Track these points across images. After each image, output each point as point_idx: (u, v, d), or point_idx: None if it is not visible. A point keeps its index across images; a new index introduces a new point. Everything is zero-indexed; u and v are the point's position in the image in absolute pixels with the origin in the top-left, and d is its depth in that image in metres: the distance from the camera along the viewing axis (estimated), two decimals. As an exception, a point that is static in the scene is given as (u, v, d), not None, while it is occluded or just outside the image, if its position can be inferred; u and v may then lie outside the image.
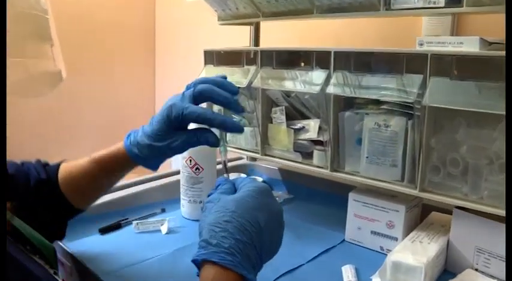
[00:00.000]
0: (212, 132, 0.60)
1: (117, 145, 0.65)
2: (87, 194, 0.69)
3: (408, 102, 0.67)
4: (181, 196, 0.90)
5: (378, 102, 0.73)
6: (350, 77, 0.74)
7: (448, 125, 0.66)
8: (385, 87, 0.69)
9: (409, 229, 0.74)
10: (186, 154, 0.86)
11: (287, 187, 1.08)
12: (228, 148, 1.00)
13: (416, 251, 0.64)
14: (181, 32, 1.63)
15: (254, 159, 1.17)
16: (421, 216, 0.79)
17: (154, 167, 0.65)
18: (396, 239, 0.74)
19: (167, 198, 0.97)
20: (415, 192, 0.70)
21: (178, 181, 0.91)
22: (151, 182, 0.99)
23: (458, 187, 0.66)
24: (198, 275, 0.45)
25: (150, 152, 0.61)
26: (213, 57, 0.97)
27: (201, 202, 0.89)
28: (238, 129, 0.58)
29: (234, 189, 0.53)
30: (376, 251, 0.77)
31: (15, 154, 0.62)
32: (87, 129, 1.60)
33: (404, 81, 0.67)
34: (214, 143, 0.59)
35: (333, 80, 0.75)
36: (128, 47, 1.69)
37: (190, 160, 0.87)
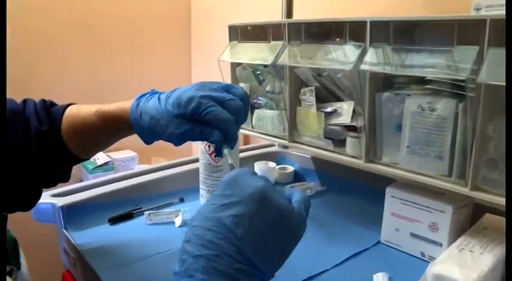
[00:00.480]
0: (218, 130, 0.50)
1: (125, 104, 0.57)
2: (88, 146, 0.63)
3: (459, 80, 0.54)
4: (200, 185, 0.82)
5: (422, 81, 0.60)
6: (389, 52, 0.62)
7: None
8: (431, 62, 0.57)
9: (456, 234, 0.62)
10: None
11: (320, 178, 0.98)
12: (254, 133, 0.91)
13: (465, 264, 0.53)
14: (216, 12, 1.55)
15: (286, 146, 1.08)
16: (472, 218, 0.66)
17: (148, 141, 0.57)
18: (440, 245, 0.62)
19: (187, 186, 0.89)
20: (465, 190, 0.58)
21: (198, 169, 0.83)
22: (171, 169, 0.92)
23: (521, 185, 0.54)
24: None
25: (147, 129, 0.54)
26: (238, 32, 0.87)
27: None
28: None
29: None
30: (416, 257, 0.66)
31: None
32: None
33: (456, 55, 0.55)
34: (220, 142, 0.49)
35: (368, 55, 0.63)
36: (164, 31, 1.63)
37: (209, 146, 0.78)
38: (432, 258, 0.63)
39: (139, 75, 1.59)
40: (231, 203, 0.38)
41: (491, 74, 0.50)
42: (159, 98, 0.54)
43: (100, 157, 1.40)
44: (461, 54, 0.54)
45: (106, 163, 1.40)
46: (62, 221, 0.74)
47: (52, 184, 0.64)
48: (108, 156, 1.42)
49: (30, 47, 1.33)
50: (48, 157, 0.59)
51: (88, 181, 0.86)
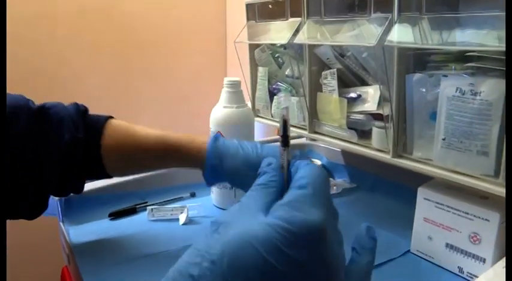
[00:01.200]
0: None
1: (197, 140, 0.54)
2: (131, 169, 0.60)
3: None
4: (213, 180, 0.75)
5: (463, 59, 0.49)
6: (423, 23, 0.51)
7: None
8: (475, 33, 0.46)
9: (503, 248, 0.50)
10: (213, 125, 0.70)
11: (350, 174, 0.87)
12: (272, 122, 0.82)
13: (511, 288, 0.41)
14: None
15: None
16: (526, 229, 0.54)
17: (212, 183, 0.56)
18: (484, 260, 0.51)
19: (200, 181, 0.82)
20: (515, 194, 0.46)
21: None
22: (183, 161, 0.85)
23: None
24: None
25: (230, 170, 0.51)
26: (255, 11, 0.78)
27: (231, 187, 0.73)
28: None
29: (282, 187, 0.31)
30: (453, 272, 0.54)
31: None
32: (153, 105, 1.53)
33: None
34: None
35: (395, 29, 0.52)
36: (199, 18, 1.57)
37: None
38: (472, 276, 0.52)
39: (170, 65, 1.53)
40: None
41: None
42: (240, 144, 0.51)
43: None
44: (512, 21, 0.42)
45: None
46: (60, 215, 0.69)
47: (65, 194, 0.61)
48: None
49: (58, 35, 1.31)
50: (75, 168, 0.54)
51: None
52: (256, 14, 0.78)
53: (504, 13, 0.43)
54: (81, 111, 0.56)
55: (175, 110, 1.54)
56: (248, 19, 0.80)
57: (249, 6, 0.79)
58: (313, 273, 0.25)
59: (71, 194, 0.60)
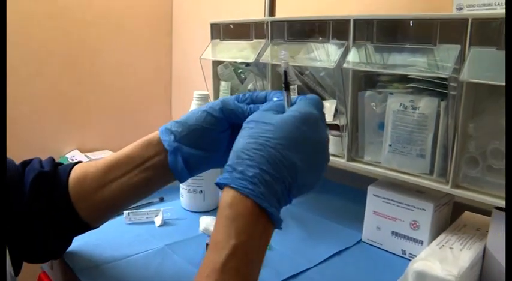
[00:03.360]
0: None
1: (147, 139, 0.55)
2: (102, 208, 0.56)
3: (442, 79, 0.55)
4: (181, 185, 0.81)
5: (404, 80, 0.61)
6: (372, 50, 0.62)
7: (491, 108, 0.53)
8: (413, 61, 0.58)
9: (437, 231, 0.62)
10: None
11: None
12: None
13: (446, 260, 0.53)
14: (198, 10, 1.54)
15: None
16: (452, 216, 0.67)
17: (185, 176, 0.55)
18: (421, 242, 0.63)
19: (167, 186, 0.87)
20: (446, 188, 0.58)
21: (177, 168, 0.82)
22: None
23: (500, 183, 0.54)
24: None
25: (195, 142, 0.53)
26: (220, 30, 0.87)
27: (201, 191, 0.79)
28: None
29: (283, 108, 0.48)
30: (398, 255, 0.66)
31: (24, 138, 0.52)
32: (100, 114, 1.53)
33: (438, 54, 0.55)
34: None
35: (351, 54, 0.63)
36: (145, 28, 1.61)
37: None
38: (413, 256, 0.63)
39: (118, 75, 1.55)
40: (305, 143, 0.43)
41: (473, 72, 0.51)
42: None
43: (78, 157, 1.36)
44: (443, 53, 0.54)
45: (83, 163, 1.36)
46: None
47: (42, 260, 0.59)
48: (86, 156, 1.39)
49: (8, 44, 1.29)
50: (47, 216, 0.53)
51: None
52: (221, 33, 0.86)
53: (433, 46, 0.55)
54: (53, 161, 0.57)
55: (122, 120, 1.55)
56: (212, 38, 0.88)
57: (213, 25, 0.88)
58: (321, 146, 0.46)
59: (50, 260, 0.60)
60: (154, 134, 0.55)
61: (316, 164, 0.45)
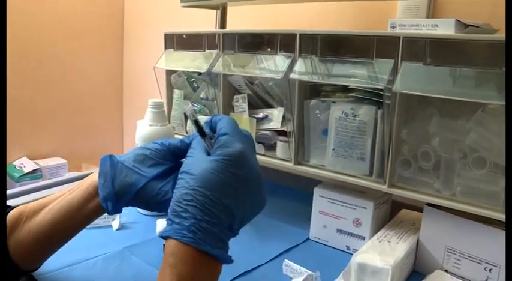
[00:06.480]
0: None
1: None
2: (35, 251, 0.53)
3: (378, 89, 0.61)
4: (135, 190, 0.82)
5: (346, 90, 0.67)
6: (316, 62, 0.68)
7: (420, 115, 0.60)
8: (353, 73, 0.64)
9: (377, 228, 0.68)
10: (139, 142, 0.79)
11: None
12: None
13: (384, 252, 0.59)
14: (150, 18, 1.55)
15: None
16: (391, 213, 0.74)
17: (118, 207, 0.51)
18: (363, 238, 0.69)
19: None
20: (383, 187, 0.65)
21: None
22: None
23: (429, 182, 0.61)
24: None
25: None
26: (174, 40, 0.89)
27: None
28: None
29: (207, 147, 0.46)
30: (342, 250, 0.72)
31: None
32: (50, 119, 1.50)
33: (375, 67, 0.61)
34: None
35: (297, 65, 0.69)
36: (96, 32, 1.59)
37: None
38: (356, 250, 0.69)
39: (68, 78, 1.53)
40: (234, 183, 0.43)
41: (405, 84, 0.57)
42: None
43: (27, 164, 1.32)
44: (379, 66, 0.61)
45: (34, 171, 1.32)
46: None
47: None
48: (36, 163, 1.35)
49: None
50: None
51: (15, 189, 0.82)
52: (175, 43, 0.89)
53: (371, 60, 0.61)
54: None
55: (72, 125, 1.53)
56: (166, 47, 0.91)
57: (167, 35, 0.90)
58: (253, 181, 0.45)
59: None
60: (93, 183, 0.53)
61: (253, 199, 0.46)
